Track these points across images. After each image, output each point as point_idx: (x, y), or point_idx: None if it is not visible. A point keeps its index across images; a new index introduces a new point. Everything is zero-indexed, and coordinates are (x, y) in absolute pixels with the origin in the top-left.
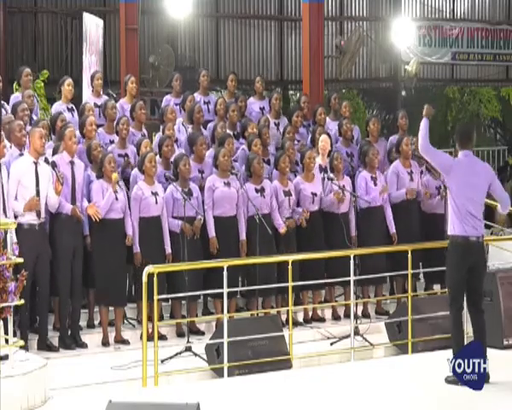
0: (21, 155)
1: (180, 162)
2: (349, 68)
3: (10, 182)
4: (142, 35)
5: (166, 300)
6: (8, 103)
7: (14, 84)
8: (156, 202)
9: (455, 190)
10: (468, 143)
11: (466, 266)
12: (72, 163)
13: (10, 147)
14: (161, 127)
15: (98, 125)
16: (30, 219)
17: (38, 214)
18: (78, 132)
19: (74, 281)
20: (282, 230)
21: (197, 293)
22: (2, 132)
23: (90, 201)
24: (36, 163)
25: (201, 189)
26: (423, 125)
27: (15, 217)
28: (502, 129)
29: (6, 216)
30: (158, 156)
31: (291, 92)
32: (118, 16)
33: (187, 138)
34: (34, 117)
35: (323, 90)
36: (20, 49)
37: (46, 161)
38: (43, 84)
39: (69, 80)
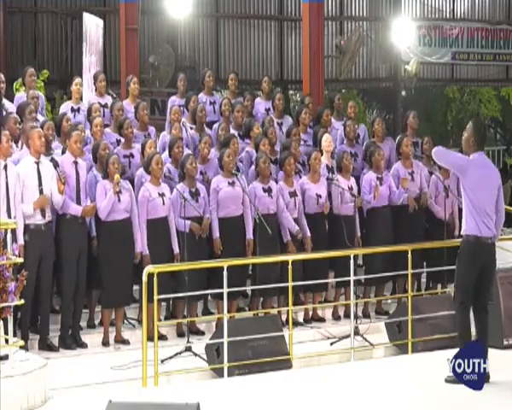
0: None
1: (187, 162)
2: (349, 68)
3: (16, 184)
4: (142, 35)
5: (166, 299)
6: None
7: (15, 84)
8: (163, 203)
9: (472, 190)
10: (484, 144)
11: (477, 266)
12: (75, 163)
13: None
14: (168, 128)
15: (105, 125)
16: (36, 219)
17: (44, 214)
18: (86, 132)
19: (79, 282)
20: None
21: (197, 293)
22: (7, 132)
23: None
24: (37, 163)
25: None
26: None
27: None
28: (502, 129)
29: (10, 216)
30: (168, 156)
31: (291, 92)
32: (118, 16)
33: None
34: (40, 117)
35: (323, 90)
36: (20, 49)
37: (52, 160)
38: (43, 84)
39: (78, 79)
